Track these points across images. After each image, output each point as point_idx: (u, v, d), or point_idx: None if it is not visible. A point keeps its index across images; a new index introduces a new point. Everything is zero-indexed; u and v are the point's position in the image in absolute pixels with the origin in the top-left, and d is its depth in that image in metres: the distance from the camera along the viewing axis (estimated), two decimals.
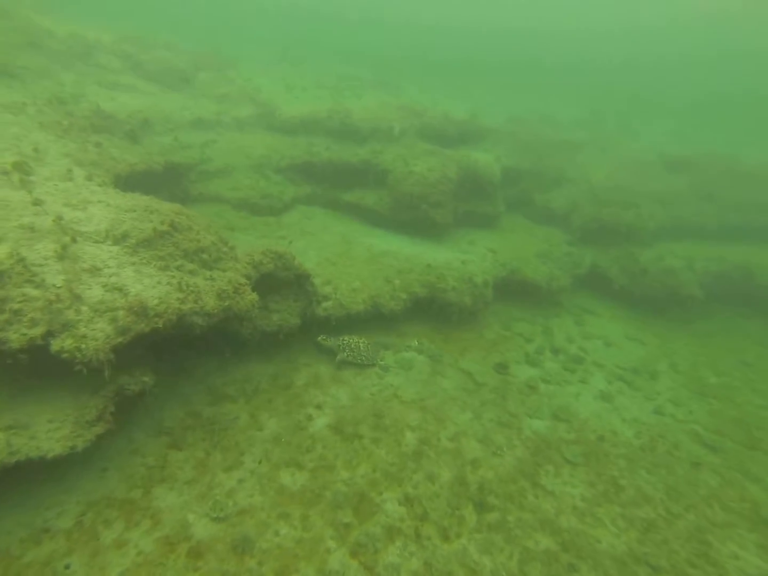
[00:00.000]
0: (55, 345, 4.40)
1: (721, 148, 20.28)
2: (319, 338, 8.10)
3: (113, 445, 5.50)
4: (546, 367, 9.52)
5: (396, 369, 8.46)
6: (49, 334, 4.46)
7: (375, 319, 9.07)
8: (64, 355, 4.40)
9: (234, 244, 7.86)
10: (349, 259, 10.28)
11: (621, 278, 12.63)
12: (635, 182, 15.27)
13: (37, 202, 5.64)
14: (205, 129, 12.77)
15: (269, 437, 6.30)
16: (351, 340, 8.28)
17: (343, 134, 14.52)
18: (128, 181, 8.44)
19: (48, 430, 4.46)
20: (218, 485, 5.42)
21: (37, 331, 4.38)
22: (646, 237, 13.50)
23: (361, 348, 8.29)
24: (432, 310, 10.00)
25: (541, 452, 7.10)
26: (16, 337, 4.31)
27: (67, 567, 4.26)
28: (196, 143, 11.89)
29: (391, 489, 5.95)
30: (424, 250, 11.38)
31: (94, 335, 4.64)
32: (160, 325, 5.29)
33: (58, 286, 4.77)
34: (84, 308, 4.78)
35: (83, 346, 4.49)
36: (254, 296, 6.56)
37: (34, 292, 4.59)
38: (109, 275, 5.28)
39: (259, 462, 5.91)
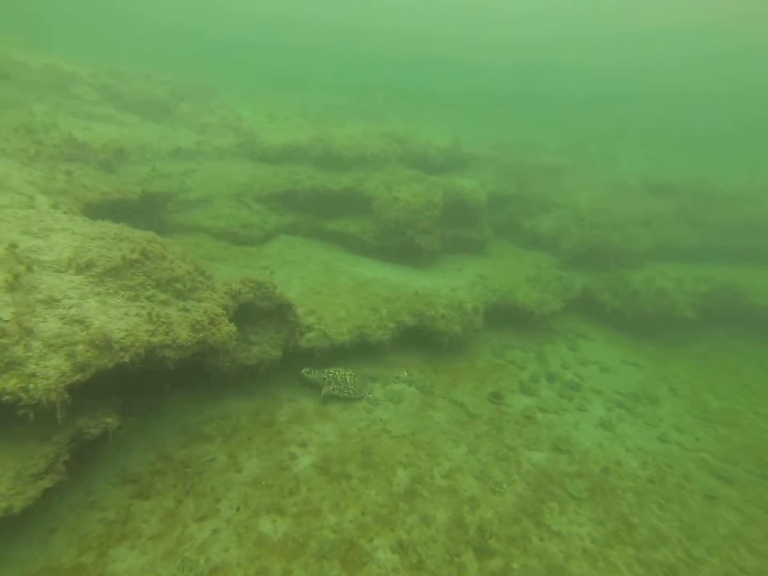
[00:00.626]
0: None
1: (697, 173, 20.65)
2: (303, 371, 7.64)
3: (66, 499, 4.91)
4: (542, 395, 9.13)
5: (385, 402, 8.00)
6: None
7: (362, 351, 8.66)
8: (6, 398, 3.90)
9: (211, 274, 7.48)
10: (333, 288, 9.94)
11: (613, 301, 12.45)
12: (620, 206, 15.34)
13: None
14: (185, 158, 12.53)
15: (249, 480, 5.76)
16: (337, 373, 7.83)
17: (326, 162, 14.41)
18: (101, 211, 8.05)
19: None
20: (189, 539, 4.84)
21: None
22: (635, 259, 13.45)
23: (348, 381, 7.84)
24: (421, 340, 9.63)
25: (542, 487, 6.63)
26: None
27: None
28: (175, 173, 11.62)
29: (382, 534, 5.42)
30: (412, 278, 11.10)
31: (46, 373, 4.15)
32: (127, 360, 4.82)
33: (5, 319, 4.32)
34: (36, 343, 4.31)
35: (31, 386, 4.00)
36: (232, 327, 6.12)
37: None
38: (68, 306, 4.83)
39: (237, 509, 5.36)
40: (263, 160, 14.03)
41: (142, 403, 6.53)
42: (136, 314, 5.27)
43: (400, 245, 12.15)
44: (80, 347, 4.46)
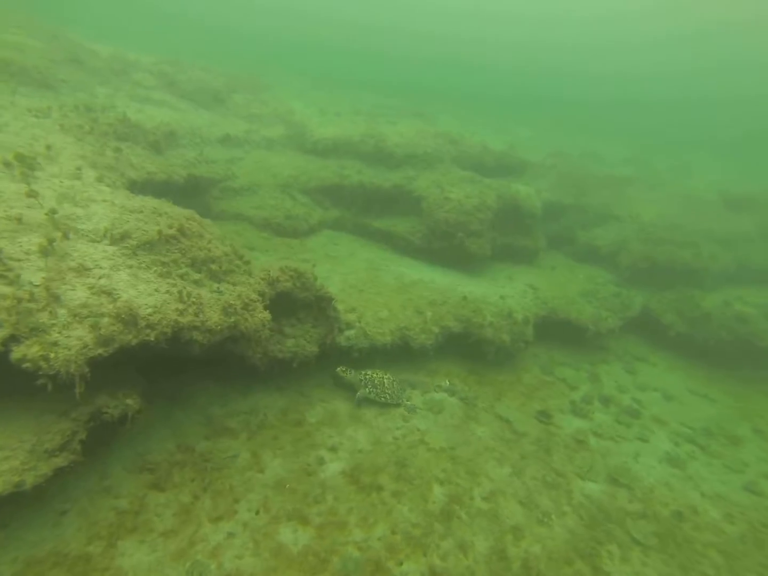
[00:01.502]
0: (17, 352, 3.67)
1: None
2: (338, 369, 7.20)
3: (81, 480, 4.65)
4: (596, 419, 8.33)
5: (424, 411, 7.46)
6: (13, 338, 3.74)
7: (402, 354, 8.18)
8: (26, 365, 3.66)
9: (249, 260, 7.23)
10: (376, 286, 9.52)
11: (678, 324, 11.39)
12: (692, 221, 14.17)
13: (31, 194, 5.10)
14: (233, 146, 12.51)
15: (271, 482, 5.36)
16: (374, 376, 7.36)
17: (376, 159, 14.09)
18: (145, 191, 7.99)
19: None
20: (202, 540, 4.46)
21: None
22: (707, 280, 12.30)
23: (386, 385, 7.34)
24: (466, 348, 9.05)
25: (598, 525, 5.88)
26: None
27: None
28: (222, 159, 11.59)
29: (413, 558, 4.87)
30: (459, 283, 10.52)
31: (68, 343, 3.90)
32: (152, 339, 4.54)
33: (35, 284, 4.11)
34: (62, 311, 4.08)
35: (52, 355, 3.75)
36: (266, 315, 5.79)
37: (3, 289, 3.93)
38: (98, 276, 4.60)
39: (256, 512, 4.95)
40: (312, 152, 13.87)
41: (166, 388, 6.31)
42: (167, 291, 5.00)
43: (449, 247, 11.61)
44: (105, 320, 4.20)
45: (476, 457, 6.64)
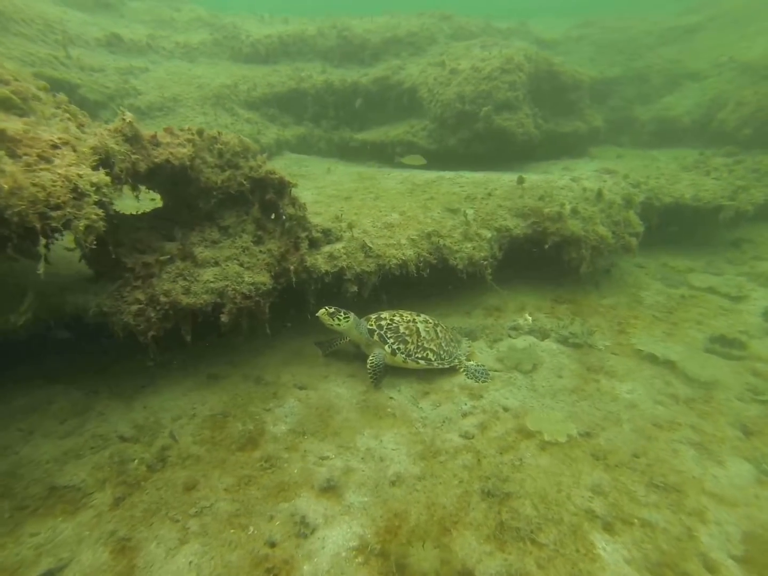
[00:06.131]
0: None
1: None
2: (321, 312, 3.66)
3: None
4: None
5: (504, 373, 4.01)
6: None
7: (437, 284, 4.78)
8: None
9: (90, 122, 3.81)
10: (373, 192, 6.12)
11: None
12: None
13: None
14: (130, 54, 8.97)
15: None
16: (399, 319, 3.90)
17: (344, 54, 10.59)
18: None
19: None
20: None
21: None
22: None
23: (423, 334, 3.87)
24: (539, 263, 5.65)
25: None
26: None
27: None
28: (112, 68, 8.10)
29: None
30: (500, 175, 7.01)
31: None
32: None
33: None
34: None
35: None
36: (87, 171, 2.31)
37: None
38: None
39: None
40: (253, 59, 10.32)
41: None
42: None
43: (473, 138, 8.12)
44: None
45: (648, 447, 3.19)
